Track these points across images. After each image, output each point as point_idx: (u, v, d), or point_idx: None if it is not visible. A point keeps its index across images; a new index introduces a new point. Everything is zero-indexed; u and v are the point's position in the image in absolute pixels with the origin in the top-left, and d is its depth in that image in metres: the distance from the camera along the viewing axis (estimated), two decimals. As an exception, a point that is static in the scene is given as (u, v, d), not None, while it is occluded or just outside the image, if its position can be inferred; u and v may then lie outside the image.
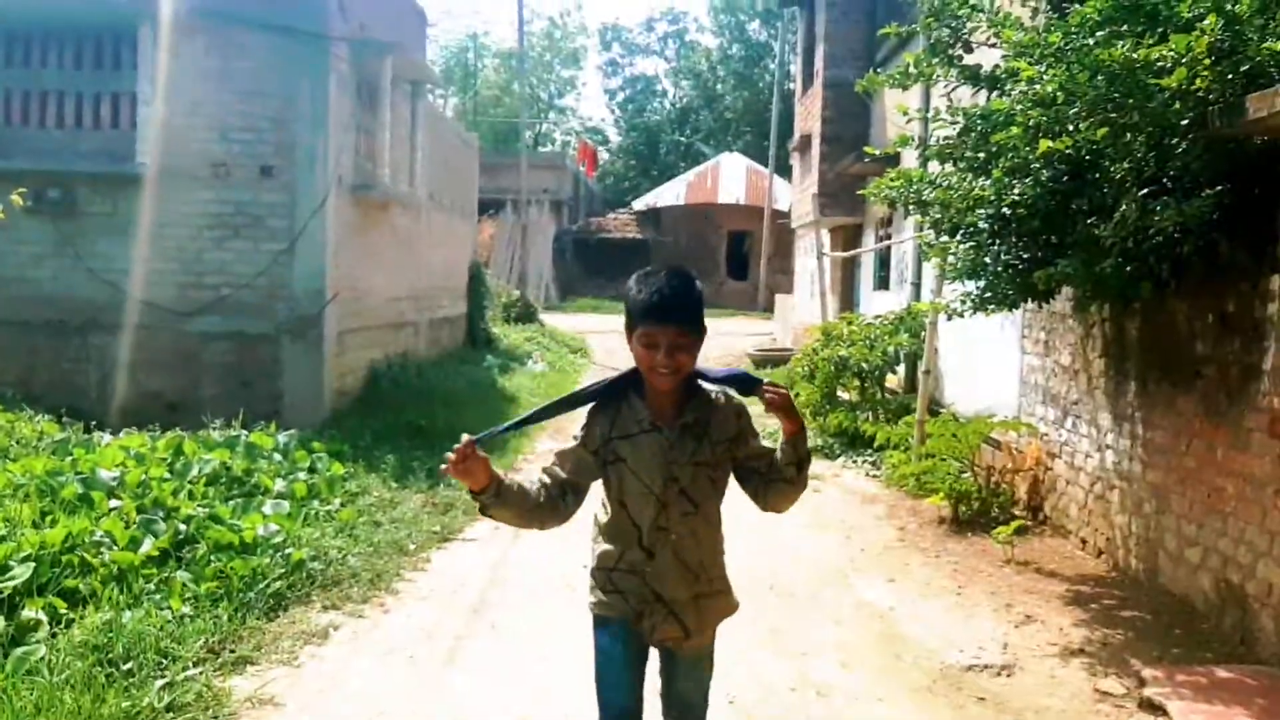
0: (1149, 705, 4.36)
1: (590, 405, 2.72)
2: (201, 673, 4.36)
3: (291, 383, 10.32)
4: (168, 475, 6.73)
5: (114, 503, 5.96)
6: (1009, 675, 4.74)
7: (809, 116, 17.60)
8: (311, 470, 7.63)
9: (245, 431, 8.19)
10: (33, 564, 4.72)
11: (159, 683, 4.17)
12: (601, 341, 22.15)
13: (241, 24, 10.09)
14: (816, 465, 9.71)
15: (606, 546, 2.72)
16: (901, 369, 11.46)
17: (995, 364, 8.73)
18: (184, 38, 10.03)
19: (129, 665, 4.23)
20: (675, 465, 2.63)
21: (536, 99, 52.37)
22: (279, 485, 6.97)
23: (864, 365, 10.67)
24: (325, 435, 9.09)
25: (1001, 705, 4.44)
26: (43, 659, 4.12)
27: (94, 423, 8.99)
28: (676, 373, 2.56)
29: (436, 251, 15.36)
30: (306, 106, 10.21)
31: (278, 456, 7.67)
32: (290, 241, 10.28)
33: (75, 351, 10.35)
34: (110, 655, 4.29)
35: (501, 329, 20.41)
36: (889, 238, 13.64)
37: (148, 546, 5.41)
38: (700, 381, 2.70)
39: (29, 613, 4.53)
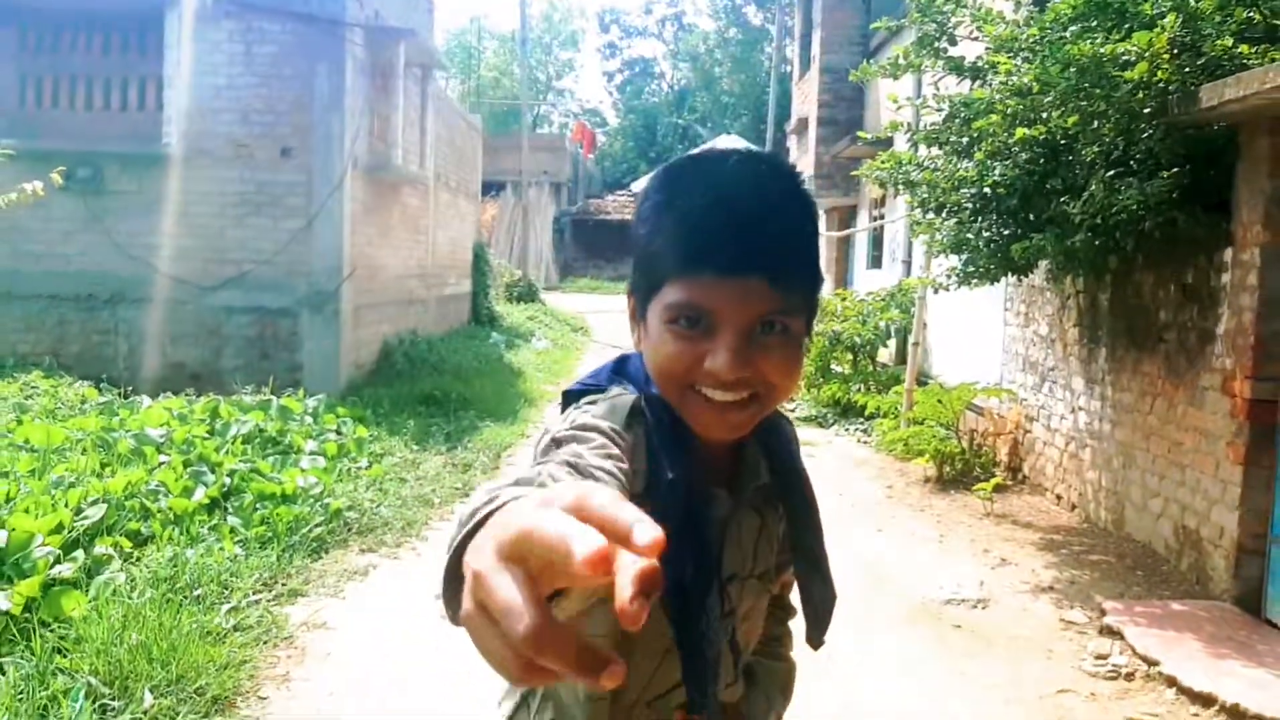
0: (1108, 631, 4.89)
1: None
2: (260, 601, 4.88)
3: (310, 355, 10.79)
4: (207, 435, 7.22)
5: (163, 458, 6.45)
6: (984, 608, 5.27)
7: (805, 100, 18.05)
8: (338, 433, 8.13)
9: (276, 397, 8.67)
10: (104, 505, 5.21)
11: (225, 607, 4.69)
12: (601, 321, 22.67)
13: (263, 11, 10.52)
14: (811, 433, 10.27)
15: None
16: (892, 343, 11.96)
17: (980, 336, 9.23)
18: (208, 24, 10.47)
19: (198, 593, 4.74)
20: (733, 585, 1.25)
21: (535, 81, 52.65)
22: (310, 445, 7.46)
23: (856, 339, 11.17)
24: (347, 403, 9.57)
25: (976, 632, 4.96)
26: (121, 586, 4.62)
27: (121, 391, 9.48)
28: (757, 401, 1.11)
29: (443, 231, 15.83)
30: (324, 90, 10.65)
31: (308, 419, 8.17)
32: (308, 220, 10.74)
33: (104, 323, 10.81)
34: (178, 585, 4.80)
35: (504, 307, 20.89)
36: (882, 218, 14.12)
37: (199, 495, 5.91)
38: None
39: (101, 549, 5.03)
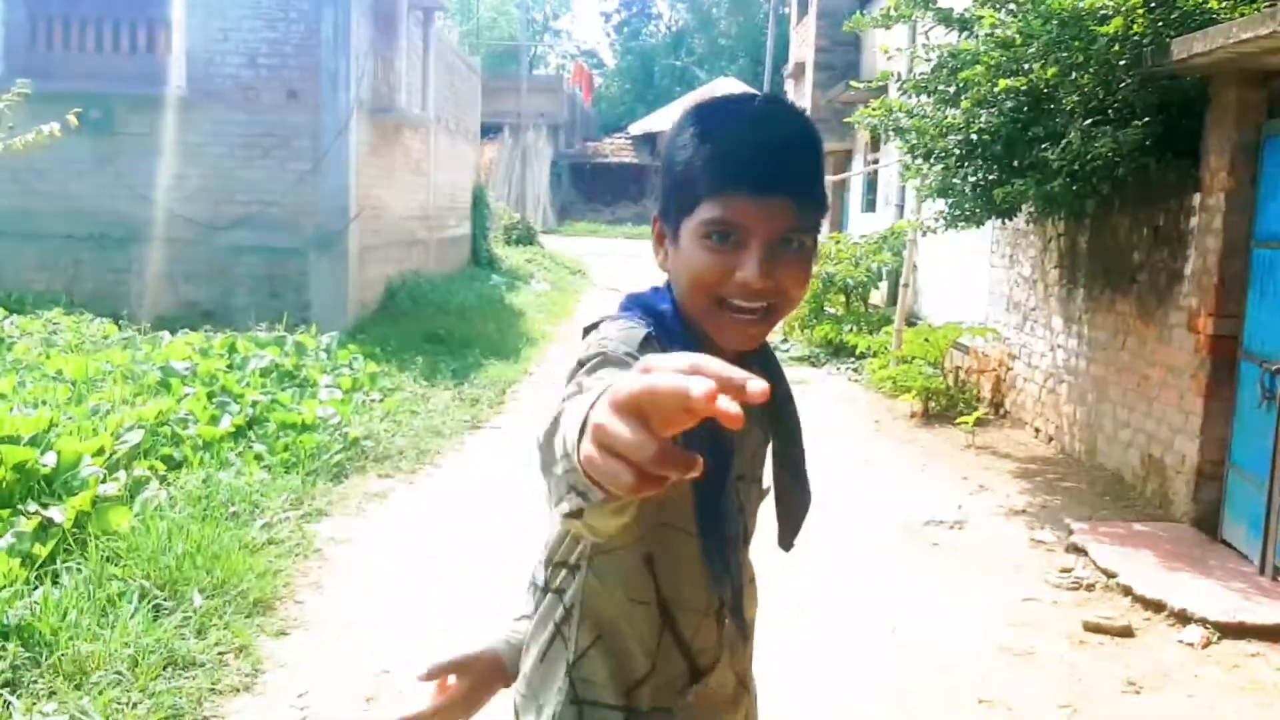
0: (1074, 548, 5.29)
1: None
2: (290, 518, 5.26)
3: (318, 293, 11.11)
4: (227, 369, 7.57)
5: (188, 389, 6.80)
6: (960, 528, 5.67)
7: (803, 44, 18.19)
8: (350, 368, 8.48)
9: (289, 334, 9.01)
10: (141, 430, 5.57)
11: (258, 523, 5.07)
12: (599, 264, 22.96)
13: (270, -46, 10.70)
14: (804, 371, 10.63)
15: (602, 664, 1.35)
16: (884, 285, 12.29)
17: (968, 279, 9.57)
18: (216, -34, 10.66)
19: (233, 510, 5.11)
20: (740, 485, 1.41)
21: (532, 21, 52.25)
22: (325, 379, 7.82)
23: (849, 281, 11.50)
24: (356, 341, 9.92)
25: (952, 549, 5.37)
26: (162, 503, 4.99)
27: (139, 328, 9.79)
28: (772, 313, 1.29)
29: (443, 173, 16.06)
30: (330, 33, 10.86)
31: (322, 355, 8.52)
32: (315, 162, 11.00)
33: (117, 262, 11.10)
34: (213, 504, 5.17)
35: (503, 250, 21.14)
36: (876, 162, 14.37)
37: (226, 424, 6.27)
38: None
39: (140, 471, 5.39)
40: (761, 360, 1.38)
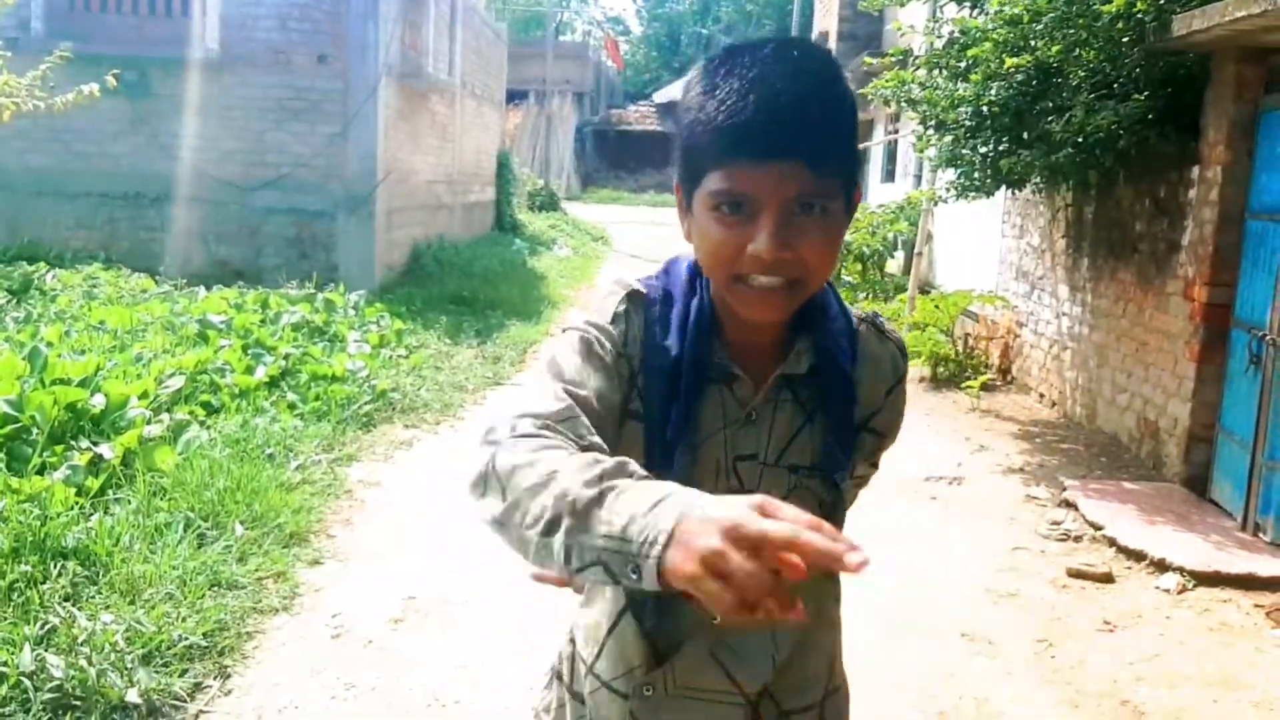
0: (1065, 504, 5.55)
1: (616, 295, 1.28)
2: (322, 461, 5.58)
3: (346, 254, 11.40)
4: (260, 323, 7.89)
5: (224, 341, 7.13)
6: (959, 484, 5.94)
7: (827, 13, 18.27)
8: (377, 325, 8.79)
9: (319, 292, 9.32)
10: (182, 376, 5.89)
11: (293, 464, 5.39)
12: (621, 231, 23.18)
13: (302, -80, 10.92)
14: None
15: (589, 620, 1.36)
16: (900, 254, 12.49)
17: (981, 248, 9.76)
18: (249, -69, 10.89)
19: (269, 453, 5.43)
20: (746, 465, 1.28)
21: (558, -13, 52.15)
22: (354, 335, 8.13)
23: (865, 250, 11.70)
24: (383, 300, 10.23)
25: (949, 503, 5.63)
26: (204, 444, 5.32)
27: (175, 284, 10.13)
28: (796, 286, 1.16)
29: (469, 138, 16.30)
30: (360, -1, 11.10)
31: (351, 312, 8.84)
32: (344, 125, 11.26)
33: (151, 221, 11.42)
34: (250, 446, 5.49)
35: (526, 216, 21.38)
36: (896, 133, 14.50)
37: (260, 374, 6.59)
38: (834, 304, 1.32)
39: (181, 414, 5.72)
40: (821, 336, 1.27)
